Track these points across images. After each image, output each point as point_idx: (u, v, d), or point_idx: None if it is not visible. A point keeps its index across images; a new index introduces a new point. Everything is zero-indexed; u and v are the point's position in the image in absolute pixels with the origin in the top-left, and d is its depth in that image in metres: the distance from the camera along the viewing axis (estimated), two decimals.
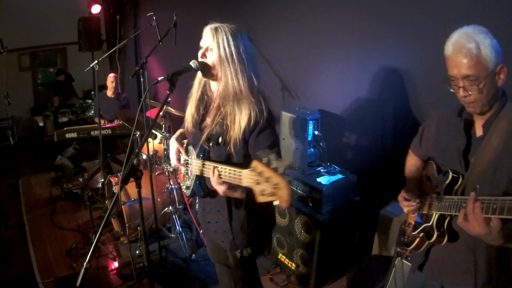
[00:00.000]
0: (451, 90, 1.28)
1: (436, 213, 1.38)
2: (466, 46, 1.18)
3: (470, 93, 1.22)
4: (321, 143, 2.86)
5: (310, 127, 2.79)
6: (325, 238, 2.60)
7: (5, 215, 3.90)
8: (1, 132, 5.78)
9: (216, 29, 1.58)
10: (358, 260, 2.78)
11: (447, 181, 1.33)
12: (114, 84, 4.70)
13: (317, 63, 3.21)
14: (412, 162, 1.73)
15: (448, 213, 1.31)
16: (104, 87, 5.34)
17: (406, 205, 1.52)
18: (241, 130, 1.53)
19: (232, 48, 1.55)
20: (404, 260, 2.22)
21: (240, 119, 1.54)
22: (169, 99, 1.75)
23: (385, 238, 2.73)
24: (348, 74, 2.99)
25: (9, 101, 4.40)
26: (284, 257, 2.90)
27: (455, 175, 1.33)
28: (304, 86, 3.40)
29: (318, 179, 2.70)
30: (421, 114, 2.60)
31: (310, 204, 2.65)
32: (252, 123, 1.53)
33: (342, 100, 3.10)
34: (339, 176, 2.78)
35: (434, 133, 1.51)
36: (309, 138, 2.81)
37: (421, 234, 1.44)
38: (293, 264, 2.83)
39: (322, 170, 2.82)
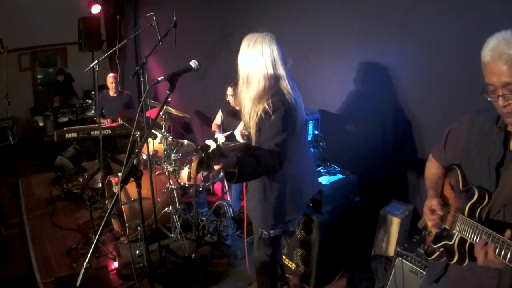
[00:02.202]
0: (489, 99, 1.21)
1: (458, 234, 1.31)
2: (506, 52, 1.11)
3: (510, 102, 1.15)
4: (321, 143, 2.86)
5: (310, 127, 2.79)
6: (325, 238, 2.60)
7: (5, 215, 3.90)
8: (1, 132, 5.77)
9: None
10: (358, 260, 2.78)
11: (472, 201, 1.27)
12: (114, 84, 4.72)
13: (317, 63, 3.21)
14: (433, 170, 1.62)
15: (470, 240, 1.25)
16: (104, 87, 5.33)
17: (432, 219, 1.41)
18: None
19: None
20: (404, 260, 2.22)
21: None
22: (169, 99, 1.75)
23: (385, 238, 2.73)
24: (348, 74, 2.99)
25: (9, 101, 4.40)
26: (284, 257, 2.90)
27: (481, 195, 1.25)
28: (304, 86, 3.38)
29: (318, 179, 2.70)
30: (421, 114, 2.60)
31: (310, 204, 2.65)
32: None
33: (342, 100, 3.10)
34: (339, 176, 2.78)
35: (464, 139, 1.41)
36: (309, 138, 2.81)
37: (441, 249, 1.40)
38: (293, 264, 2.83)
39: (322, 170, 2.82)
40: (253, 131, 1.86)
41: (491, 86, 1.17)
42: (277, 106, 1.75)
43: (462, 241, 1.29)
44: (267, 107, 1.76)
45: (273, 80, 1.80)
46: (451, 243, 1.33)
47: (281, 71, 1.82)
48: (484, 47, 1.18)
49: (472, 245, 1.25)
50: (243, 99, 1.89)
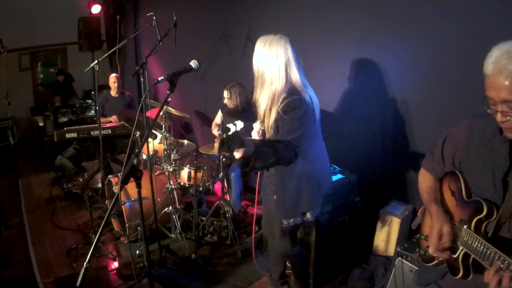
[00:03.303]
0: (488, 111, 1.15)
1: (463, 248, 1.24)
2: (508, 68, 1.04)
3: (508, 118, 1.09)
4: None
5: None
6: (325, 238, 2.60)
7: (5, 215, 3.90)
8: (1, 132, 5.77)
9: None
10: (358, 260, 2.78)
11: (480, 216, 1.20)
12: (116, 84, 4.74)
13: (316, 63, 3.21)
14: (428, 183, 1.52)
15: (480, 260, 1.16)
16: (104, 87, 5.33)
17: (437, 248, 1.29)
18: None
19: None
20: (404, 260, 2.22)
21: None
22: (169, 99, 1.75)
23: (385, 238, 2.73)
24: (348, 74, 2.99)
25: (9, 101, 4.40)
26: None
27: (489, 209, 1.19)
28: None
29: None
30: (422, 113, 2.60)
31: None
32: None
33: (342, 100, 3.10)
34: (339, 176, 2.78)
35: (465, 147, 1.33)
36: None
37: (441, 259, 1.35)
38: None
39: None
40: (269, 129, 1.97)
41: (491, 99, 1.12)
42: (296, 104, 1.85)
43: (467, 255, 1.23)
44: (286, 105, 1.86)
45: (287, 80, 1.90)
46: (455, 256, 1.26)
47: (294, 71, 1.91)
48: (487, 57, 1.12)
49: (475, 259, 1.19)
50: (258, 99, 1.99)
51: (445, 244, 1.28)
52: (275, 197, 2.14)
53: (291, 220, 2.14)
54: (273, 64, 1.88)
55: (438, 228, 1.31)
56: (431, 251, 1.34)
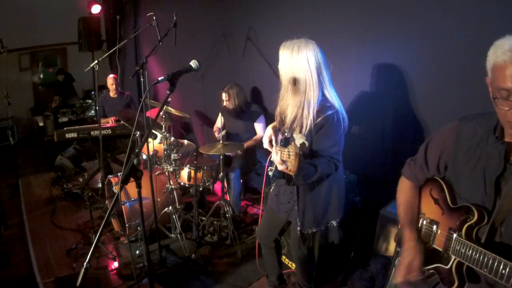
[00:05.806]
0: (500, 107, 1.06)
1: (455, 258, 1.19)
2: None
3: None
4: None
5: None
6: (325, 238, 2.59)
7: (5, 215, 3.91)
8: (1, 132, 5.77)
9: None
10: (358, 260, 2.78)
11: (470, 222, 1.16)
12: (114, 85, 4.73)
13: None
14: (408, 195, 1.48)
15: (479, 269, 1.10)
16: (104, 87, 5.33)
17: (411, 277, 1.24)
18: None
19: None
20: None
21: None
22: (169, 99, 1.76)
23: (385, 238, 2.73)
24: (348, 74, 2.98)
25: (9, 101, 4.41)
26: (284, 257, 2.90)
27: (480, 215, 1.15)
28: None
29: None
30: (422, 114, 2.60)
31: None
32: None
33: (342, 100, 3.08)
34: None
35: (452, 150, 1.27)
36: None
37: (431, 271, 1.29)
38: (293, 264, 2.83)
39: None
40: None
41: (505, 91, 1.02)
42: (333, 118, 1.86)
43: (460, 264, 1.19)
44: (323, 119, 1.85)
45: (318, 86, 1.85)
46: (447, 267, 1.21)
47: (325, 76, 1.87)
48: (496, 48, 1.04)
49: (469, 267, 1.16)
50: (286, 105, 1.94)
51: (412, 279, 1.23)
52: (296, 207, 2.04)
53: (314, 229, 2.10)
54: (305, 69, 1.80)
55: (408, 261, 1.27)
56: (397, 280, 1.31)
